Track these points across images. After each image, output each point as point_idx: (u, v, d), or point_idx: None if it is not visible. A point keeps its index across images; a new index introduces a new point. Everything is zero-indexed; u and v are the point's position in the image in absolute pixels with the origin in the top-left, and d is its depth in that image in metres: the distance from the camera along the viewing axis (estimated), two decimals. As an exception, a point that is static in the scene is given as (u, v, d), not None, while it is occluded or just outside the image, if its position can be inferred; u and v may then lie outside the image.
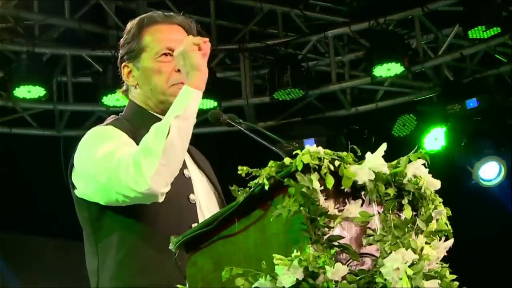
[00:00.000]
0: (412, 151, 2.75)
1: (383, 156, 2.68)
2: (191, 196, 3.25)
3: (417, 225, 2.67)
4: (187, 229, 2.84)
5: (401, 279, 2.50)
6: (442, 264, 2.71)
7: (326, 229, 2.53)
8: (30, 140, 9.02)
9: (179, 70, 3.31)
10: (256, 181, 2.63)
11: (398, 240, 2.57)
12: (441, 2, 8.93)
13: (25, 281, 9.62)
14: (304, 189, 2.52)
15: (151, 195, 3.02)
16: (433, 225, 2.72)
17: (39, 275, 9.63)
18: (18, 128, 8.98)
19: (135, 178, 2.98)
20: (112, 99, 8.44)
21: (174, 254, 2.78)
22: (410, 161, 2.72)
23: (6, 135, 8.84)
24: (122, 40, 3.45)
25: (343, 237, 2.55)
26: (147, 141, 3.04)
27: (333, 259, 2.49)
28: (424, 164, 2.74)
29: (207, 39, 3.25)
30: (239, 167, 2.66)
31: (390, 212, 2.63)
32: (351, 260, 2.55)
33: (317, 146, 2.61)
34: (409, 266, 2.53)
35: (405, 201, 2.69)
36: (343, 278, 2.49)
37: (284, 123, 9.49)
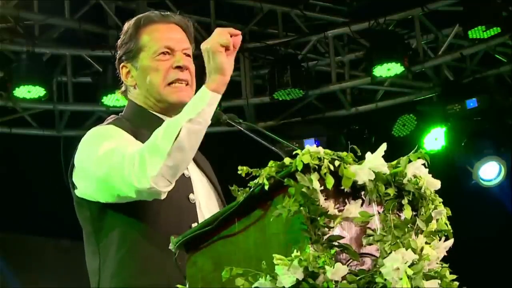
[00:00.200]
0: (412, 151, 2.75)
1: (383, 156, 2.68)
2: (191, 196, 3.25)
3: (417, 225, 2.67)
4: (187, 229, 2.84)
5: (401, 279, 2.50)
6: (442, 264, 2.71)
7: (326, 229, 2.53)
8: (30, 140, 9.02)
9: (176, 67, 3.31)
10: (256, 181, 2.63)
11: (398, 240, 2.57)
12: (441, 2, 8.93)
13: (25, 281, 9.62)
14: (304, 189, 2.52)
15: (152, 194, 3.02)
16: (433, 225, 2.72)
17: (39, 275, 9.63)
18: (18, 128, 8.98)
19: (138, 175, 2.97)
20: (112, 99, 8.45)
21: (174, 254, 2.78)
22: (410, 161, 2.72)
23: (6, 135, 8.84)
24: (119, 41, 3.45)
25: (343, 237, 2.55)
26: (155, 139, 3.02)
27: (333, 259, 2.49)
28: (424, 164, 2.74)
29: (238, 33, 3.20)
30: (239, 167, 2.65)
31: (390, 212, 2.63)
32: (351, 260, 2.55)
33: (318, 146, 2.61)
34: (409, 266, 2.53)
35: (405, 201, 2.69)
36: (343, 278, 2.49)
37: (284, 123, 9.50)
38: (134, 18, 3.43)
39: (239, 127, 3.33)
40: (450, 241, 2.75)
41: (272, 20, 9.24)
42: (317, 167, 2.56)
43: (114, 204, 3.13)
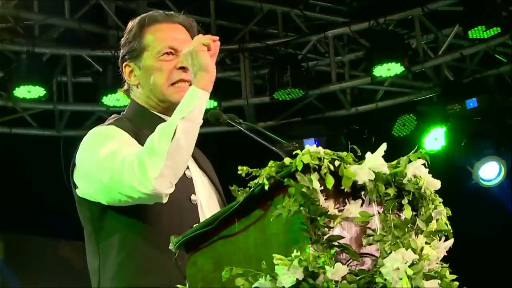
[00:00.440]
0: (412, 151, 2.75)
1: (383, 156, 2.68)
2: (192, 197, 3.25)
3: (417, 225, 2.67)
4: (188, 229, 2.84)
5: (401, 279, 2.50)
6: (442, 264, 2.71)
7: (326, 229, 2.53)
8: (30, 140, 9.02)
9: (180, 68, 3.32)
10: (256, 181, 2.63)
11: (398, 240, 2.57)
12: (441, 2, 8.93)
13: (25, 281, 9.62)
14: (304, 189, 2.52)
15: (155, 196, 3.02)
16: (433, 225, 2.72)
17: (39, 275, 9.63)
18: (18, 128, 8.98)
19: (139, 178, 2.98)
20: (112, 99, 8.45)
21: (174, 254, 2.78)
22: (410, 161, 2.72)
23: (6, 135, 8.84)
24: (123, 40, 3.45)
25: (343, 237, 2.55)
26: (152, 141, 3.03)
27: (333, 259, 2.49)
28: (424, 164, 2.74)
29: (216, 38, 3.24)
30: (239, 167, 2.65)
31: (390, 212, 2.63)
32: (351, 260, 2.55)
33: (318, 146, 2.61)
34: (409, 266, 2.53)
35: (405, 201, 2.69)
36: (343, 278, 2.49)
37: (284, 123, 9.50)
38: (138, 17, 3.43)
39: (239, 127, 3.33)
40: (450, 241, 2.75)
41: (272, 20, 9.24)
42: (317, 167, 2.56)
43: (115, 205, 3.13)
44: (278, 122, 9.51)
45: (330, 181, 2.56)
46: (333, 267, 2.46)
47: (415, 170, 2.72)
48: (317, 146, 2.61)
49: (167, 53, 3.35)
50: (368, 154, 2.67)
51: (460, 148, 9.21)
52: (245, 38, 9.16)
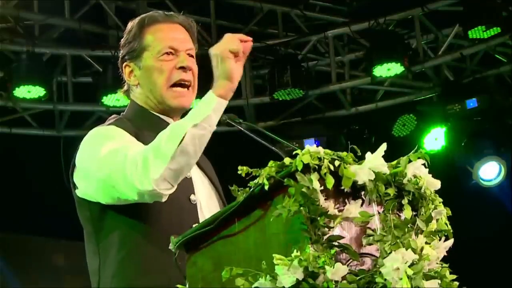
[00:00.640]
0: (412, 151, 2.75)
1: (383, 156, 2.68)
2: (192, 197, 3.25)
3: (417, 225, 2.67)
4: (188, 229, 2.84)
5: (401, 279, 2.50)
6: (442, 264, 2.71)
7: (326, 229, 2.53)
8: (30, 140, 9.02)
9: (180, 68, 3.32)
10: (256, 181, 2.63)
11: (398, 240, 2.57)
12: (441, 2, 8.93)
13: (25, 281, 9.62)
14: (304, 189, 2.52)
15: (153, 196, 3.02)
16: (433, 225, 2.72)
17: (39, 275, 9.62)
18: (18, 128, 8.98)
19: (140, 177, 2.97)
20: (112, 99, 8.45)
21: (174, 254, 2.78)
22: (410, 161, 2.72)
23: (6, 135, 8.84)
24: (123, 40, 3.45)
25: (343, 237, 2.55)
26: (159, 141, 3.01)
27: (333, 259, 2.49)
28: (424, 164, 2.74)
29: (249, 39, 3.16)
30: (239, 167, 2.65)
31: (390, 212, 2.63)
32: (351, 260, 2.55)
33: (318, 146, 2.61)
34: (409, 266, 2.53)
35: (405, 201, 2.69)
36: (343, 278, 2.49)
37: (284, 123, 9.50)
38: (138, 18, 3.43)
39: (239, 127, 3.33)
40: (450, 241, 2.74)
41: (272, 20, 9.24)
42: (317, 167, 2.56)
43: (114, 205, 3.13)
44: (278, 122, 9.51)
45: (330, 181, 2.55)
46: (333, 267, 2.46)
47: (415, 170, 2.72)
48: (317, 146, 2.61)
49: (167, 53, 3.34)
50: (368, 154, 2.67)
51: (460, 148, 9.21)
52: (245, 38, 9.14)
